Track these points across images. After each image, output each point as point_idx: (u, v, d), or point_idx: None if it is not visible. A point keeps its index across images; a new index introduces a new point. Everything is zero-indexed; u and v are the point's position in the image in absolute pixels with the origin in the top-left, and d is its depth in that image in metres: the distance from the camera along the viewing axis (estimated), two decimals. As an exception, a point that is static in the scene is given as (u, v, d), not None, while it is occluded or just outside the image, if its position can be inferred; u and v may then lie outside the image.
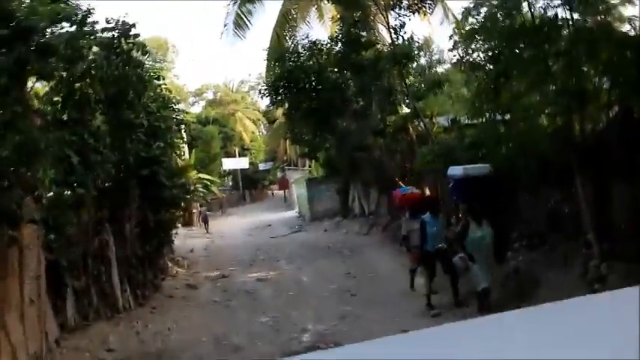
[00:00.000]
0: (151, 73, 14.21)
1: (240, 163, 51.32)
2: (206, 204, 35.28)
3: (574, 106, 8.00)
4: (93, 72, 10.76)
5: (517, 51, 9.23)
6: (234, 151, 52.28)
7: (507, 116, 10.06)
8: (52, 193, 10.16)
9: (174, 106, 16.46)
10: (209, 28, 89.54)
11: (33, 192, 8.91)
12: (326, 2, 19.92)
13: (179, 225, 23.85)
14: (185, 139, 29.07)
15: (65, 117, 10.55)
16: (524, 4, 9.06)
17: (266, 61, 19.84)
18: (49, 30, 7.92)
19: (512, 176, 9.80)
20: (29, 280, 8.44)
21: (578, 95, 7.85)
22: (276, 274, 15.79)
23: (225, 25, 20.05)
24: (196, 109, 55.82)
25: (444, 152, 12.89)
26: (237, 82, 62.08)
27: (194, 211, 32.98)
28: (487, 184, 10.02)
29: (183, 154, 26.58)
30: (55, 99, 10.47)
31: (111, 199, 12.37)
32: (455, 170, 10.80)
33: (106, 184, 12.06)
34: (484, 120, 10.98)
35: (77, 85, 10.58)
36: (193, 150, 35.24)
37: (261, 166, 55.18)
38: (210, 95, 61.08)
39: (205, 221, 31.47)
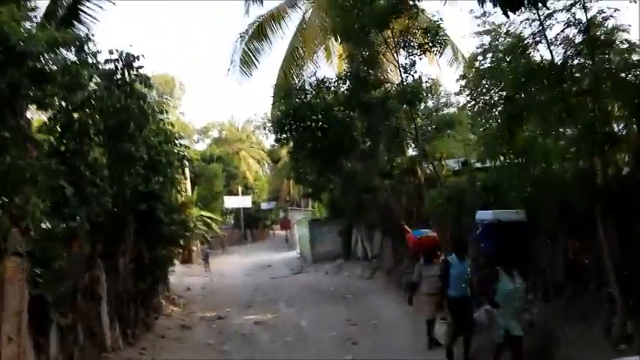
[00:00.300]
0: (155, 107, 13.91)
1: (243, 201, 51.09)
2: (207, 242, 34.96)
3: (597, 149, 7.56)
4: (93, 102, 10.50)
5: (532, 92, 8.86)
6: (237, 189, 52.07)
7: (522, 159, 9.56)
8: (45, 225, 9.67)
9: (177, 141, 16.12)
10: (216, 67, 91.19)
11: (20, 223, 8.43)
12: (334, 42, 19.87)
13: (177, 262, 23.35)
14: (188, 176, 28.85)
15: (63, 147, 10.22)
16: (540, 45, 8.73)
17: (272, 97, 19.61)
18: (46, 56, 7.60)
19: (529, 221, 9.26)
20: (9, 317, 7.86)
21: (603, 138, 7.44)
22: (274, 317, 15.18)
23: (232, 62, 20.05)
24: (201, 146, 56.03)
25: (454, 196, 12.41)
26: (242, 121, 62.53)
27: (194, 248, 32.61)
28: (515, 230, 9.28)
29: (185, 191, 26.19)
30: (55, 128, 10.16)
31: (105, 234, 11.89)
32: (484, 215, 10.04)
33: (101, 218, 11.58)
34: (497, 163, 10.53)
35: (76, 114, 10.29)
36: (196, 187, 35.02)
37: (264, 206, 54.92)
38: (215, 133, 61.39)
39: (206, 259, 31.45)
